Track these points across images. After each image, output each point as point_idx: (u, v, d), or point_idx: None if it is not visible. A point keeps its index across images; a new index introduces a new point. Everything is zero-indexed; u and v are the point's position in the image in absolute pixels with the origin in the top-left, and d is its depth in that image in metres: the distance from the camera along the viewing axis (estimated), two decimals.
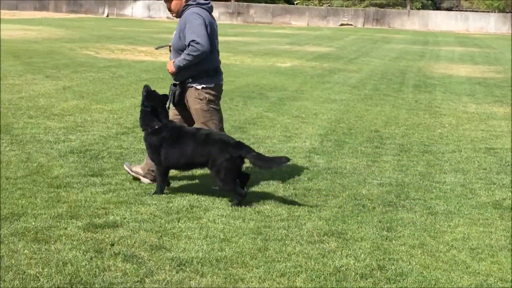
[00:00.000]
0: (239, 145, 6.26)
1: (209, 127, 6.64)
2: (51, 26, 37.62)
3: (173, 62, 6.60)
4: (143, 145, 7.40)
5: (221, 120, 6.85)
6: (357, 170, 7.68)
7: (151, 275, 4.49)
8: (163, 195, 6.36)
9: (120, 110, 10.85)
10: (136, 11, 59.02)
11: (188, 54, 6.47)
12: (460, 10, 64.91)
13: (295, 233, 5.45)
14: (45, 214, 5.66)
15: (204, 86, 6.66)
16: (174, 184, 6.82)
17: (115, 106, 11.21)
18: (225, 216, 5.84)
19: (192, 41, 6.44)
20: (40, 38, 27.42)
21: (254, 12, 59.16)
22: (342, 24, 57.58)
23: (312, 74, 17.65)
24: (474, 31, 53.64)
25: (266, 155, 7.98)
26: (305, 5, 69.84)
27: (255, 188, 6.75)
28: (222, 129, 6.83)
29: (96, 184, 6.64)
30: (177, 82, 6.73)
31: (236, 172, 6.21)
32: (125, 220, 5.61)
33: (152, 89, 6.58)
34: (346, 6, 63.59)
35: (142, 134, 6.66)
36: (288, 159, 6.18)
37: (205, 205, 6.13)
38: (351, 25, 57.50)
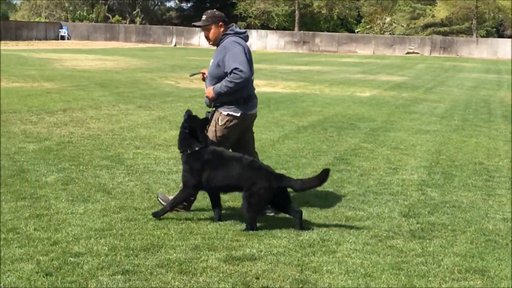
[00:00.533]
0: (280, 176, 6.38)
1: None
2: (125, 56, 38.51)
3: (213, 88, 6.67)
4: None
5: (230, 147, 6.88)
6: (475, 204, 7.59)
7: None
8: (259, 231, 6.35)
9: None
10: (203, 40, 59.81)
11: (231, 81, 6.55)
12: None
13: (435, 269, 5.41)
14: (182, 246, 5.76)
15: (230, 113, 6.73)
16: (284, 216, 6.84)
17: None
18: (359, 251, 5.83)
19: (235, 68, 6.51)
20: (119, 68, 28.08)
21: (319, 40, 59.38)
22: (408, 53, 57.24)
23: (396, 104, 17.56)
24: None
25: (374, 187, 8.01)
26: (366, 32, 69.81)
27: (378, 221, 6.74)
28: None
29: (223, 215, 6.72)
30: (212, 109, 6.83)
31: (266, 204, 6.38)
32: (262, 253, 5.66)
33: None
34: (407, 34, 63.19)
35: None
36: (328, 170, 6.35)
37: (335, 238, 6.14)
38: (417, 53, 57.11)
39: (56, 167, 8.55)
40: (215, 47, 6.93)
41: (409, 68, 36.54)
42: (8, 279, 4.85)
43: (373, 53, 57.59)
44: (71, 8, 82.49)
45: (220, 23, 6.84)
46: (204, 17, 6.88)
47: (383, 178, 8.73)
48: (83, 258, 5.36)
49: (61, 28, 65.02)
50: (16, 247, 5.52)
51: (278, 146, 10.69)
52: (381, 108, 16.61)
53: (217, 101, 6.75)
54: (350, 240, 6.11)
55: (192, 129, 6.48)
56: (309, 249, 5.82)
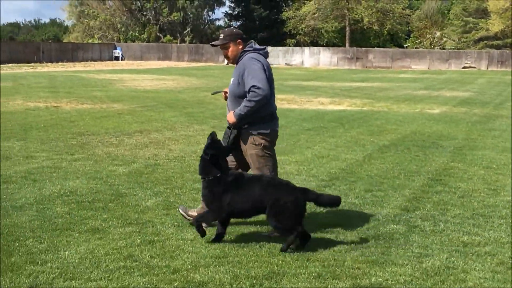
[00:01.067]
0: (305, 190, 6.26)
1: (264, 173, 6.53)
2: (182, 75, 38.77)
3: (233, 112, 6.47)
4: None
5: (275, 166, 6.73)
6: None
7: None
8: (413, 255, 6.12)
9: (306, 162, 10.81)
10: None
11: (250, 101, 6.36)
12: None
13: None
14: (304, 274, 5.58)
15: (260, 131, 6.56)
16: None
17: (299, 158, 11.18)
18: (490, 279, 5.57)
19: (253, 86, 6.33)
20: (180, 87, 28.21)
21: (373, 56, 58.94)
22: (465, 67, 56.37)
23: (471, 121, 17.16)
24: None
25: (481, 210, 7.70)
26: (416, 47, 69.04)
27: (498, 247, 6.44)
28: (276, 175, 6.71)
29: (333, 240, 6.52)
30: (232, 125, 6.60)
31: (298, 216, 6.12)
32: (389, 282, 5.44)
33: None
34: (459, 49, 62.24)
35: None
36: (340, 198, 6.38)
37: (460, 266, 5.88)
38: (474, 67, 56.18)
39: (152, 191, 8.46)
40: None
41: (470, 83, 35.88)
42: None
43: (428, 68, 56.86)
44: (123, 29, 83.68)
45: (239, 40, 6.65)
46: (221, 35, 6.71)
47: (486, 200, 8.42)
48: (208, 287, 5.20)
49: (115, 48, 65.93)
50: (138, 276, 5.40)
51: (366, 167, 10.45)
52: (458, 125, 16.22)
53: (241, 123, 6.55)
54: (477, 268, 5.85)
55: (215, 156, 6.26)
56: (436, 278, 5.58)
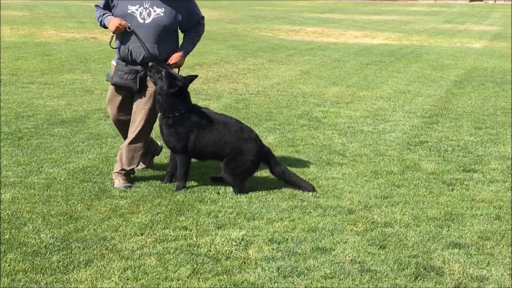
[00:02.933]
0: (269, 152, 5.94)
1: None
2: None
3: (183, 53, 5.85)
4: None
5: None
6: None
7: None
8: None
9: (392, 97, 10.62)
10: None
11: (198, 35, 5.91)
12: None
13: None
14: (481, 215, 5.41)
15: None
16: None
17: (381, 93, 10.98)
18: None
19: (202, 18, 5.88)
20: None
21: None
22: (472, 0, 55.66)
23: None
24: None
25: None
26: None
27: None
28: None
29: (495, 179, 6.34)
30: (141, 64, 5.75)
31: (250, 175, 5.88)
32: None
33: None
34: None
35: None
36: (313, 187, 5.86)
37: None
38: (481, 0, 55.51)
39: (263, 127, 8.23)
40: None
41: (486, 17, 35.44)
42: None
43: (435, 1, 56.12)
44: None
45: None
46: None
47: None
48: (394, 228, 5.03)
49: None
50: (316, 216, 5.20)
51: (456, 103, 10.26)
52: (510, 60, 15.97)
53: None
54: None
55: (182, 89, 5.71)
56: None
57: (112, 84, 5.87)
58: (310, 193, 5.73)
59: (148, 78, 5.74)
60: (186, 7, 5.79)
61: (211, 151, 5.82)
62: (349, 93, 10.88)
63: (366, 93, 10.90)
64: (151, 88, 5.77)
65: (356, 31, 23.85)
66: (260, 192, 5.75)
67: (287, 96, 10.42)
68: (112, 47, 6.02)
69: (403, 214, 5.31)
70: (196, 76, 5.96)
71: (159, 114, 5.86)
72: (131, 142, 5.86)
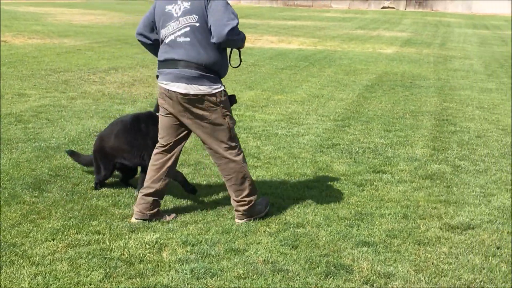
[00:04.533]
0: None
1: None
2: (109, 10, 37.47)
3: None
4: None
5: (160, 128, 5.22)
6: None
7: None
8: None
9: (306, 101, 10.82)
10: None
11: None
12: None
13: None
14: (390, 214, 5.60)
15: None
16: None
17: (295, 97, 11.17)
18: None
19: None
20: (117, 23, 27.31)
21: None
22: (384, 7, 57.19)
23: (431, 62, 17.50)
24: None
25: (504, 150, 7.91)
26: None
27: None
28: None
29: (392, 180, 6.56)
30: None
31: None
32: (474, 221, 5.55)
33: None
34: None
35: None
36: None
37: None
38: (393, 8, 57.12)
39: None
40: None
41: (398, 23, 36.47)
42: None
43: (349, 7, 57.36)
44: None
45: None
46: None
47: (503, 140, 8.68)
48: (306, 228, 5.15)
49: None
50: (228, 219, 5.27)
51: (367, 107, 10.55)
52: (421, 65, 16.53)
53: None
54: None
55: None
56: None
57: None
58: (225, 196, 5.78)
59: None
60: None
61: None
62: (264, 97, 11.01)
63: (281, 97, 11.06)
64: None
65: (271, 36, 24.10)
66: (175, 196, 5.76)
67: None
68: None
69: (315, 215, 5.43)
70: None
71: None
72: None
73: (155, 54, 5.21)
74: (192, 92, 4.91)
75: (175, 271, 4.23)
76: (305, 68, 15.01)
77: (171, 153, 5.17)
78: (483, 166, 7.32)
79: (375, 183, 6.43)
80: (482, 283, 4.32)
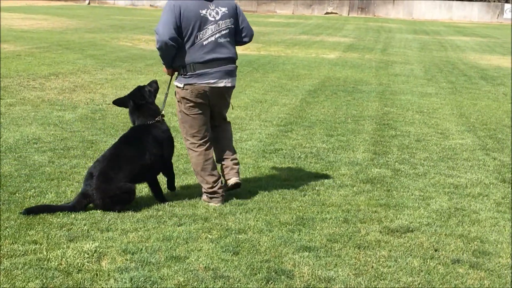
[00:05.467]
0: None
1: (181, 131, 6.07)
2: (49, 14, 36.88)
3: None
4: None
5: (196, 130, 5.84)
6: None
7: None
8: None
9: (249, 106, 10.83)
10: None
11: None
12: None
13: None
14: (331, 219, 5.65)
15: (177, 84, 5.79)
16: None
17: (238, 102, 11.17)
18: (500, 218, 5.90)
19: (156, 30, 5.66)
20: (58, 28, 26.88)
21: (238, 0, 58.87)
22: (327, 13, 57.81)
23: (372, 67, 17.76)
24: (458, 20, 54.43)
25: (445, 153, 8.07)
26: None
27: (486, 190, 6.81)
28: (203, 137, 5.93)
29: (333, 184, 6.61)
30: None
31: None
32: (413, 224, 5.64)
33: None
34: None
35: None
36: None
37: (466, 207, 6.19)
38: (336, 13, 57.78)
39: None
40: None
41: (340, 29, 36.88)
42: None
43: (293, 13, 57.79)
44: None
45: None
46: None
47: (442, 143, 8.85)
48: (247, 234, 5.15)
49: None
50: (171, 225, 5.24)
51: (310, 112, 10.64)
52: (363, 70, 16.76)
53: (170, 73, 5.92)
54: (482, 208, 6.18)
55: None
56: (454, 219, 5.82)
57: None
58: (166, 203, 5.74)
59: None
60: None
61: None
62: None
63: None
64: None
65: None
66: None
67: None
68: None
69: (256, 220, 5.43)
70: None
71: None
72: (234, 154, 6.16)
73: (173, 57, 5.67)
74: (235, 83, 5.95)
75: (114, 280, 4.17)
76: (249, 73, 15.03)
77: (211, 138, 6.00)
78: (422, 169, 7.44)
79: (316, 188, 6.47)
80: (420, 285, 4.38)
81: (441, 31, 38.34)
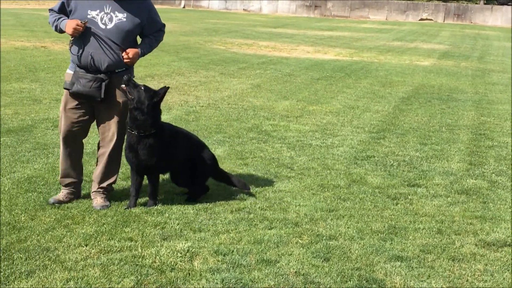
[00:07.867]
0: None
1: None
2: None
3: (139, 51, 5.59)
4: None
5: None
6: None
7: None
8: None
9: (341, 112, 10.77)
10: (212, 3, 59.02)
11: (157, 41, 5.79)
12: None
13: None
14: (424, 229, 5.53)
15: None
16: None
17: (330, 108, 11.12)
18: None
19: (163, 26, 5.78)
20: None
21: (332, 5, 58.72)
22: (422, 19, 56.81)
23: (469, 75, 17.31)
24: None
25: None
26: None
27: None
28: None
29: (426, 193, 6.47)
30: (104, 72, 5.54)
31: None
32: (510, 238, 5.45)
33: None
34: (425, 0, 62.64)
35: None
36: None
37: None
38: (431, 20, 56.69)
39: (213, 139, 8.25)
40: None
41: (435, 35, 36.17)
42: None
43: (386, 19, 57.11)
44: None
45: None
46: None
47: None
48: (339, 241, 5.11)
49: None
50: (262, 228, 5.26)
51: (403, 119, 10.46)
52: (459, 78, 16.36)
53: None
54: None
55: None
56: None
57: (73, 92, 5.52)
58: (257, 206, 5.77)
59: (118, 89, 5.52)
60: (148, 13, 5.69)
61: (178, 164, 5.80)
62: (299, 107, 10.99)
63: (316, 108, 11.03)
64: (120, 99, 5.61)
65: (308, 46, 24.08)
66: (207, 204, 5.77)
67: (238, 109, 10.47)
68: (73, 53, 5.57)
69: (347, 227, 5.39)
70: (167, 88, 5.69)
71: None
72: (109, 157, 5.69)
73: None
74: None
75: (206, 280, 4.23)
76: (341, 79, 14.95)
77: None
78: None
79: (409, 197, 6.36)
80: None
81: None
